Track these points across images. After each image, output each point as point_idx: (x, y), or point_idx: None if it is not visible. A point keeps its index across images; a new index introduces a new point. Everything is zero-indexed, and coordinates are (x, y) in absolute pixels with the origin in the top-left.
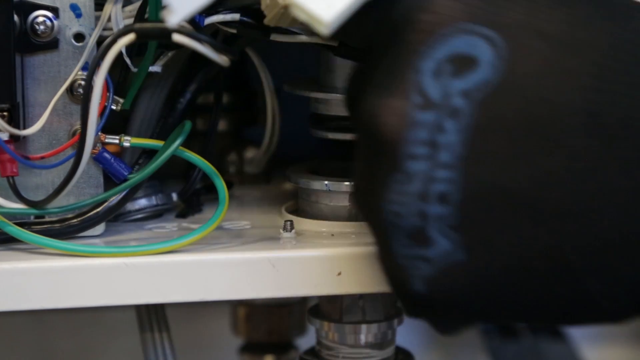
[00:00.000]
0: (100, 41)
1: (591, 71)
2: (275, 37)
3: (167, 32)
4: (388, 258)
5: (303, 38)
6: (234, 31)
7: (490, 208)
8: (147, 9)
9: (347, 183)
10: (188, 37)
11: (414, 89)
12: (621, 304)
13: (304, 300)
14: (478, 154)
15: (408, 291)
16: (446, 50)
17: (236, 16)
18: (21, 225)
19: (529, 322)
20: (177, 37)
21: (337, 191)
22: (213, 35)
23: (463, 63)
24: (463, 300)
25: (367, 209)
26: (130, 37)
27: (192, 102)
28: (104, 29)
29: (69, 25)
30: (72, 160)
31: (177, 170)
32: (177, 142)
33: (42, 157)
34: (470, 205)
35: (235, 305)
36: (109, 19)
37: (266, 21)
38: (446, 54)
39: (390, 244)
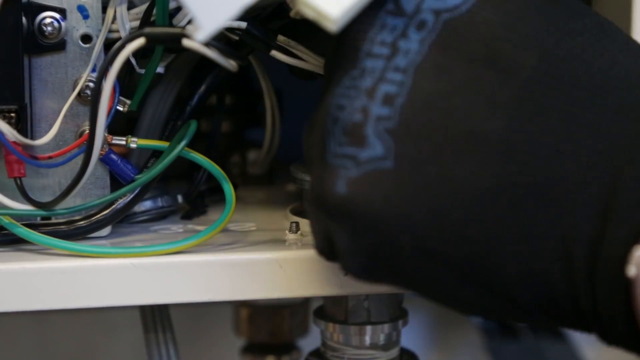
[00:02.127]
0: (107, 43)
1: (549, 20)
2: (274, 54)
3: (177, 37)
4: (321, 159)
5: (300, 63)
6: (237, 38)
7: (429, 121)
8: (154, 12)
9: None
10: (197, 42)
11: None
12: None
13: (306, 301)
14: (431, 66)
15: (329, 192)
16: None
17: (243, 24)
18: (28, 226)
19: (439, 263)
20: (186, 42)
21: None
22: (219, 39)
23: None
24: (378, 209)
25: (319, 111)
26: (140, 42)
27: (201, 104)
28: (110, 31)
29: (76, 26)
30: (78, 162)
31: (180, 171)
32: (183, 143)
33: (50, 157)
34: (410, 112)
35: (237, 306)
36: (114, 21)
37: (292, 14)
38: None
39: (327, 142)
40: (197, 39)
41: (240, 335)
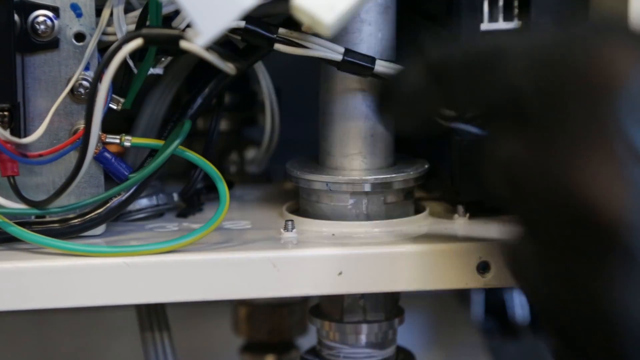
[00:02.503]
0: (101, 47)
1: None
2: (278, 47)
3: (175, 38)
4: None
5: (306, 51)
6: (239, 38)
7: None
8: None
9: (347, 182)
10: (195, 44)
11: (618, 145)
12: None
13: (305, 299)
14: None
15: None
16: None
17: (241, 23)
18: (22, 225)
19: None
20: (184, 44)
21: (337, 191)
22: (224, 43)
23: None
24: None
25: (581, 311)
26: (137, 43)
27: (204, 107)
28: (105, 33)
29: (70, 24)
30: (72, 160)
31: (178, 170)
32: (177, 141)
33: (41, 155)
34: None
35: (236, 304)
36: (109, 23)
37: (304, 28)
38: None
39: None
40: (197, 44)
41: (239, 334)
